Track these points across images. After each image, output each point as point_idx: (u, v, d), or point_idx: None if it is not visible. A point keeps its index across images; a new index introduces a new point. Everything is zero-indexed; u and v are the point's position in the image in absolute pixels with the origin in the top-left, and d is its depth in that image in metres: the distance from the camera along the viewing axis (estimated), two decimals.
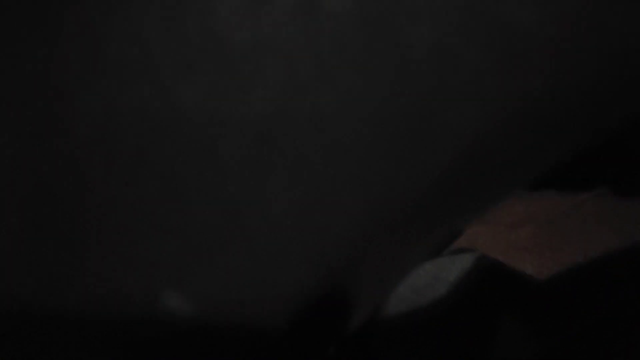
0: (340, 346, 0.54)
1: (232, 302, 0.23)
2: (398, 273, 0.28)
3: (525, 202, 0.61)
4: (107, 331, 0.23)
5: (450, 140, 0.22)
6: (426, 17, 0.20)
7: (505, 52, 0.21)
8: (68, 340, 0.24)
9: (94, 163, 0.21)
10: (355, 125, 0.20)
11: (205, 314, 0.23)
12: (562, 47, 0.21)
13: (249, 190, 0.21)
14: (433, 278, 0.60)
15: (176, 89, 0.20)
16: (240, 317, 0.23)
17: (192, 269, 0.22)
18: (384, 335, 0.58)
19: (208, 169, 0.21)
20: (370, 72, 0.20)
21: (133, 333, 0.23)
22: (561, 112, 0.23)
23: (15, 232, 0.23)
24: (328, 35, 0.20)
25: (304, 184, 0.21)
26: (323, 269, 0.23)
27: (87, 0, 0.20)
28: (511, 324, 0.56)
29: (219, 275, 0.22)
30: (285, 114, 0.20)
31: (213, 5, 0.20)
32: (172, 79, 0.20)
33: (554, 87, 0.22)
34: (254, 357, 0.24)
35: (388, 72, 0.21)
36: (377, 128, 0.21)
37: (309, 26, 0.20)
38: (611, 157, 0.58)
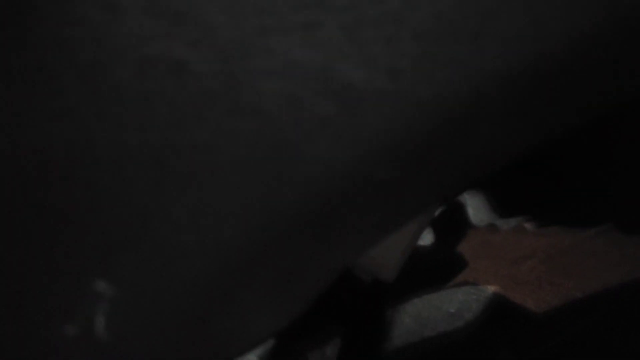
0: None
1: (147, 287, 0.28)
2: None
3: (530, 237, 0.62)
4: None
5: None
6: None
7: None
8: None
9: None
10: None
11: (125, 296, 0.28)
12: None
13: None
14: (436, 310, 0.61)
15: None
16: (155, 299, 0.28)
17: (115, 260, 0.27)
18: None
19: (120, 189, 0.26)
20: None
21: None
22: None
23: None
24: None
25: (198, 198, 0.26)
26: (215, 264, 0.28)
27: None
28: (508, 355, 0.58)
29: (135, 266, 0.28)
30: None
31: None
32: None
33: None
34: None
35: None
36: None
37: None
38: (616, 193, 0.59)
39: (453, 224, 0.64)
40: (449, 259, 0.63)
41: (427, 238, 0.63)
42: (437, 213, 0.62)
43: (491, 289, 0.61)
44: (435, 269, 0.63)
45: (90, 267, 0.28)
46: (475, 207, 0.64)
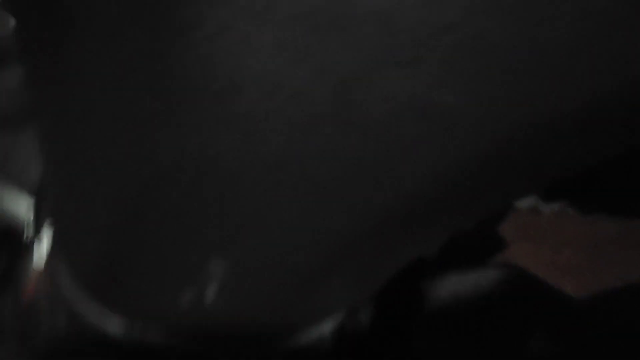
0: (384, 345, 0.60)
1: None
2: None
3: (573, 223, 0.60)
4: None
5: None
6: None
7: None
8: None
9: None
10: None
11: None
12: None
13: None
14: (474, 288, 0.62)
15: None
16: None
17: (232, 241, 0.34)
18: (425, 340, 0.62)
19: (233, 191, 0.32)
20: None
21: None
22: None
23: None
24: None
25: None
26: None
27: None
28: (542, 338, 0.61)
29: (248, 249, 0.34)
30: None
31: None
32: None
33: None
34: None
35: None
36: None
37: None
38: None
39: None
40: (489, 238, 0.61)
41: None
42: None
43: (530, 272, 0.60)
44: (474, 248, 0.61)
45: (212, 247, 0.34)
46: None
